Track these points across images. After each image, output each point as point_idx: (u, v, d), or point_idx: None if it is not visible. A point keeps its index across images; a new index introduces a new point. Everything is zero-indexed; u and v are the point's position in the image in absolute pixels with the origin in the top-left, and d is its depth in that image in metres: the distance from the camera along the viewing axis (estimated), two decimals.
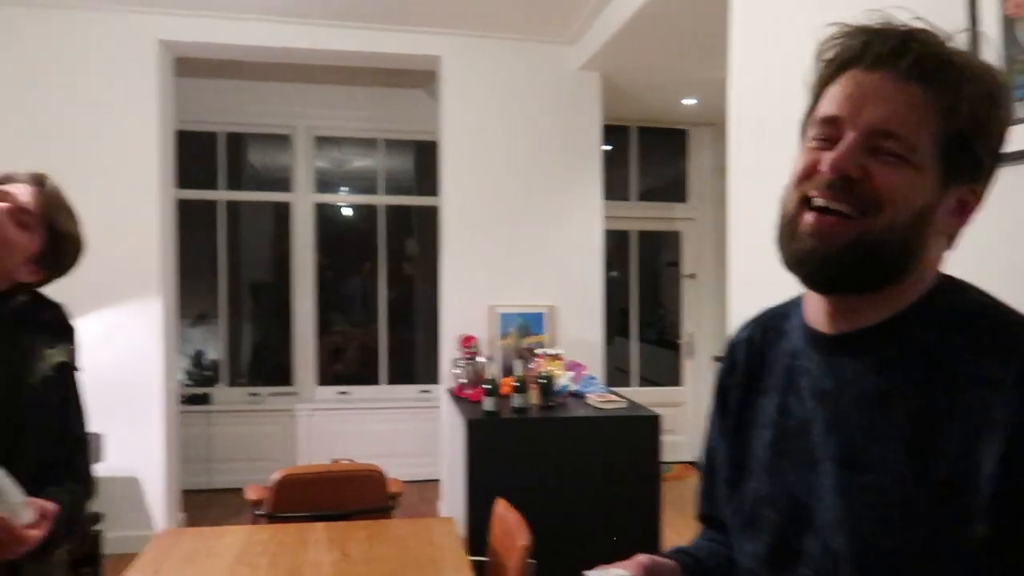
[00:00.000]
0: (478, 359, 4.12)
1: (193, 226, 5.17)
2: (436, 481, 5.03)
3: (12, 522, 1.25)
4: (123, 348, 4.02)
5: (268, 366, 5.99)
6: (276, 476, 2.67)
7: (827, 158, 0.80)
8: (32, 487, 1.32)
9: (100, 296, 3.99)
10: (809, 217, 0.81)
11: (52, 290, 1.58)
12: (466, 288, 4.56)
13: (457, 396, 4.05)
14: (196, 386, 5.57)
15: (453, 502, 4.10)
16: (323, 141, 5.81)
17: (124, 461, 3.96)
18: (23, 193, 1.46)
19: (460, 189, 4.58)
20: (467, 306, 4.53)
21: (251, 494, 2.91)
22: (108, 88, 4.05)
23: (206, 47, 4.30)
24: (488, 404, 3.52)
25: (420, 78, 5.20)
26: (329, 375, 5.84)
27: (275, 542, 2.25)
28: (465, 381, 4.07)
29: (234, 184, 5.72)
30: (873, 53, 0.80)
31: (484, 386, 3.57)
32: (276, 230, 5.92)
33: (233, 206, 5.74)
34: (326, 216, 5.85)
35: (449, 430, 4.34)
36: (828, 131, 0.82)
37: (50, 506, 1.34)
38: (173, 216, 4.35)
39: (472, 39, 4.53)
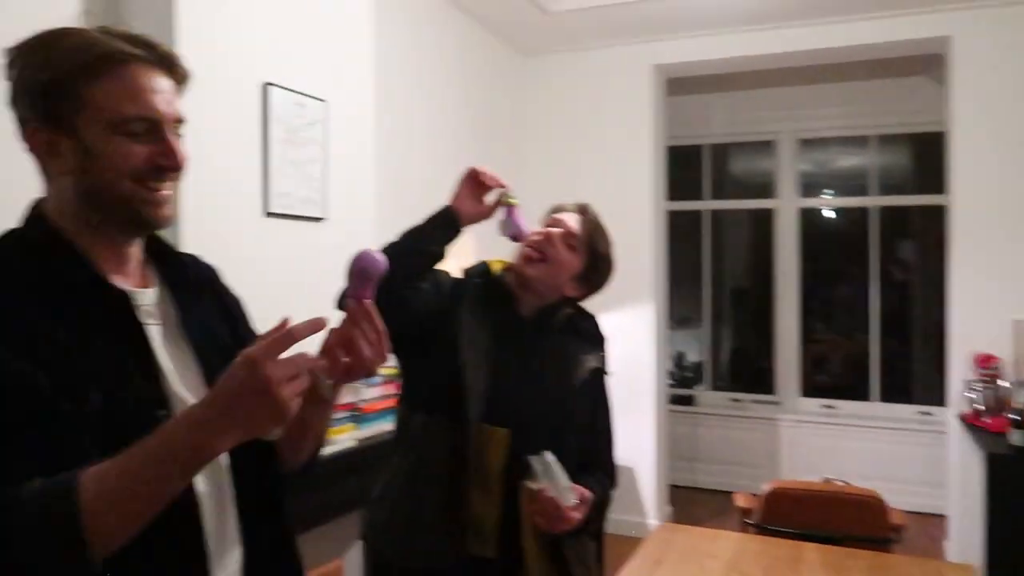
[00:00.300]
0: (1000, 383, 3.51)
1: (680, 235, 5.47)
2: (941, 516, 4.43)
3: (559, 502, 1.48)
4: (622, 349, 4.41)
5: (748, 372, 5.99)
6: (766, 487, 2.64)
7: None
8: (570, 475, 1.54)
9: (604, 301, 4.44)
10: None
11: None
12: (982, 299, 3.91)
13: (971, 424, 3.51)
14: (677, 387, 5.85)
15: (965, 545, 3.56)
16: (807, 143, 5.60)
17: (623, 452, 4.35)
18: (571, 220, 1.71)
19: (975, 186, 3.94)
20: (983, 320, 3.88)
21: (740, 501, 2.93)
22: (611, 113, 4.52)
23: (696, 65, 4.50)
24: (1017, 438, 2.97)
25: (919, 64, 4.65)
26: (812, 385, 5.60)
27: (767, 555, 2.22)
28: (982, 407, 3.50)
29: (718, 194, 5.87)
30: None
31: (1010, 416, 3.02)
32: (756, 236, 5.90)
33: (716, 215, 5.89)
34: (809, 220, 5.62)
35: (960, 462, 3.79)
36: None
37: (587, 493, 1.54)
38: (664, 227, 4.66)
39: (991, 11, 3.88)
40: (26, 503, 0.77)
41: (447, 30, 3.80)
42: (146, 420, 0.88)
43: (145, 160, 0.93)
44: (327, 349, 0.98)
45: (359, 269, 0.96)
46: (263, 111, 2.32)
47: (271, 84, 2.33)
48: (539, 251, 1.66)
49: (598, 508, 1.63)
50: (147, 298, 1.00)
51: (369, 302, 0.97)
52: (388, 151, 3.17)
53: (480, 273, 1.73)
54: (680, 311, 5.92)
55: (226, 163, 2.21)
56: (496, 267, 1.77)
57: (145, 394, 0.92)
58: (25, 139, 0.94)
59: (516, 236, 1.64)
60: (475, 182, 1.60)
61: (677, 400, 5.59)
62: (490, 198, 1.63)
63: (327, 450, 2.36)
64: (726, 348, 6.07)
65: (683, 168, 5.64)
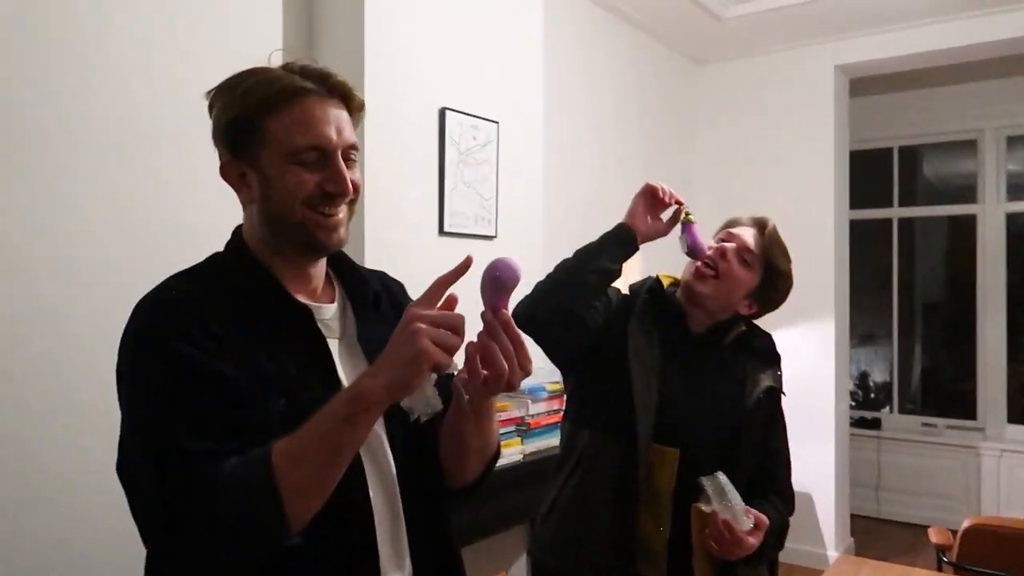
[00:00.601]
0: None
1: (864, 246, 5.10)
2: None
3: (734, 526, 1.42)
4: (798, 367, 4.19)
5: (942, 395, 5.47)
6: (966, 523, 2.41)
7: None
8: (743, 498, 1.48)
9: (780, 316, 4.23)
10: None
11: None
12: None
13: None
14: (860, 408, 5.45)
15: None
16: (1015, 141, 5.04)
17: (799, 476, 4.09)
18: (746, 235, 1.65)
19: None
20: None
21: (935, 537, 2.68)
22: (789, 119, 4.31)
23: (881, 63, 4.19)
24: None
25: None
26: (1020, 411, 5.02)
27: None
28: None
29: (907, 200, 5.42)
30: None
31: None
32: (953, 245, 5.39)
33: (906, 223, 5.45)
34: (1017, 226, 5.06)
35: None
36: None
37: (764, 518, 1.48)
38: (846, 237, 4.37)
39: None
40: (227, 472, 0.85)
41: (616, 44, 3.79)
42: None
43: (315, 187, 0.99)
44: (467, 360, 0.97)
45: (493, 278, 0.93)
46: (440, 135, 2.43)
47: (448, 109, 2.44)
48: (712, 267, 1.62)
49: (774, 535, 1.55)
50: (328, 313, 1.07)
51: (506, 312, 0.95)
52: (556, 168, 3.22)
53: (649, 288, 1.70)
54: (863, 327, 5.52)
55: (406, 185, 2.34)
56: (666, 282, 1.74)
57: (324, 400, 0.97)
58: (221, 172, 1.05)
59: (693, 253, 1.62)
60: (652, 199, 1.59)
61: (860, 423, 5.22)
62: (667, 215, 1.62)
63: None
64: (916, 368, 5.58)
65: (868, 174, 5.27)
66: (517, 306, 1.51)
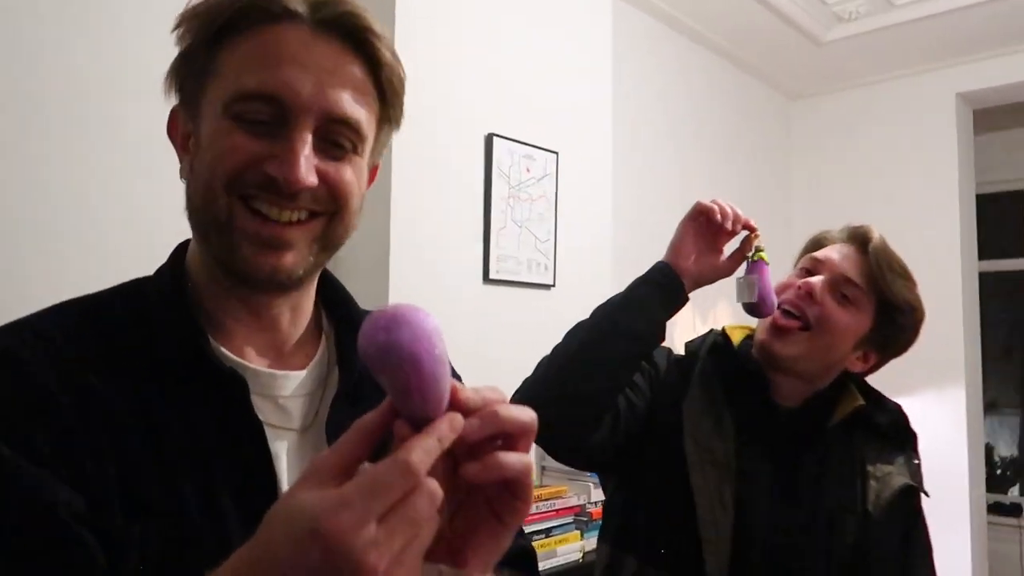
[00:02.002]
0: None
1: (984, 301, 4.45)
2: None
3: None
4: (924, 441, 3.58)
5: None
6: None
7: None
8: None
9: (892, 384, 3.66)
10: None
11: None
12: None
13: None
14: (987, 490, 4.69)
15: None
16: None
17: None
18: (841, 258, 1.16)
19: None
20: None
21: None
22: (901, 157, 3.83)
23: (1010, 90, 3.66)
24: None
25: None
26: None
27: None
28: None
29: None
30: None
31: None
32: None
33: None
34: None
35: None
36: None
37: None
38: (975, 290, 3.77)
39: None
40: None
41: (698, 75, 3.42)
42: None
43: (248, 160, 0.62)
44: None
45: (384, 349, 0.45)
46: (486, 165, 2.07)
47: (496, 135, 2.08)
48: (796, 315, 1.13)
49: None
50: (287, 385, 0.68)
51: (452, 417, 0.49)
52: (627, 209, 2.81)
53: (713, 348, 1.22)
54: (986, 393, 4.81)
55: (444, 223, 1.98)
56: (737, 336, 1.24)
57: (239, 538, 0.57)
58: (167, 125, 0.69)
59: (760, 307, 1.10)
60: (706, 224, 1.11)
61: (996, 509, 4.48)
62: (731, 246, 1.14)
63: (547, 563, 1.99)
64: None
65: (997, 220, 4.63)
66: (512, 398, 1.04)
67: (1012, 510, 4.53)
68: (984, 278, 4.61)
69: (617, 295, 1.11)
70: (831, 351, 1.14)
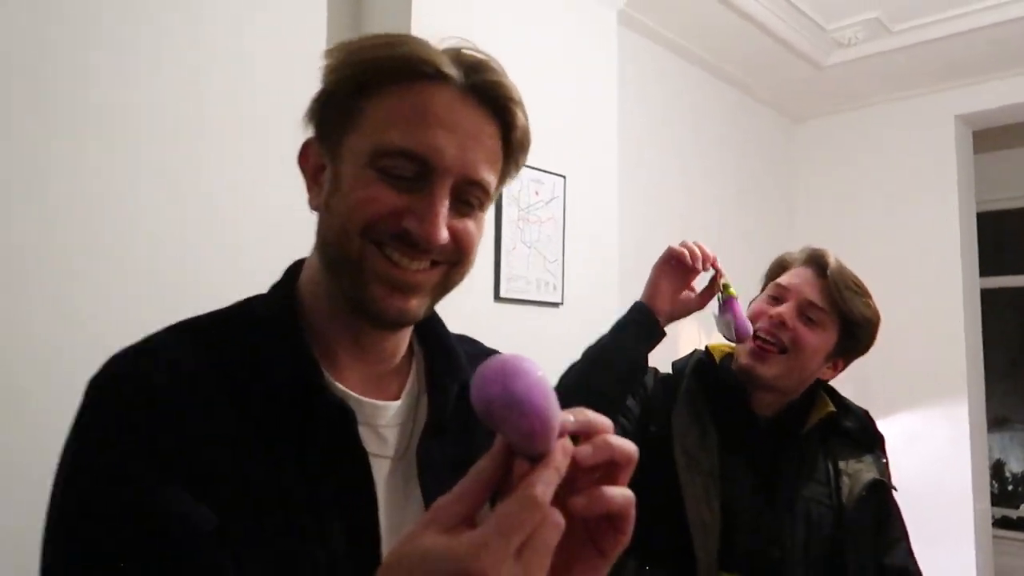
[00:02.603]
0: None
1: (991, 318, 4.50)
2: None
3: None
4: (923, 458, 3.64)
5: None
6: None
7: None
8: None
9: (895, 399, 3.73)
10: None
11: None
12: None
13: None
14: (996, 504, 4.72)
15: None
16: None
17: None
18: (805, 284, 1.28)
19: None
20: None
21: None
22: (903, 177, 3.88)
23: (1009, 111, 3.72)
24: None
25: None
26: None
27: None
28: None
29: None
30: None
31: None
32: None
33: None
34: None
35: None
36: None
37: None
38: (977, 306, 3.83)
39: None
40: None
41: (702, 99, 3.50)
42: None
43: (389, 214, 0.65)
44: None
45: (494, 401, 0.49)
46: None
47: None
48: (772, 342, 1.25)
49: None
50: (385, 415, 0.72)
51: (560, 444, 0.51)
52: (632, 230, 2.90)
53: (697, 367, 1.34)
54: (994, 410, 4.85)
55: None
56: (719, 353, 1.37)
57: (348, 563, 0.65)
58: (299, 155, 0.73)
59: (739, 336, 1.24)
60: (677, 267, 1.21)
61: (1003, 523, 4.50)
62: (701, 283, 1.26)
63: None
64: None
65: (997, 237, 4.69)
66: None
67: (1020, 524, 4.55)
68: (992, 295, 4.67)
69: (604, 336, 1.22)
70: (805, 367, 1.27)
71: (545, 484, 0.46)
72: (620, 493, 0.51)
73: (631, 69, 2.92)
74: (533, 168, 2.26)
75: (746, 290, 1.37)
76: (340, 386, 0.70)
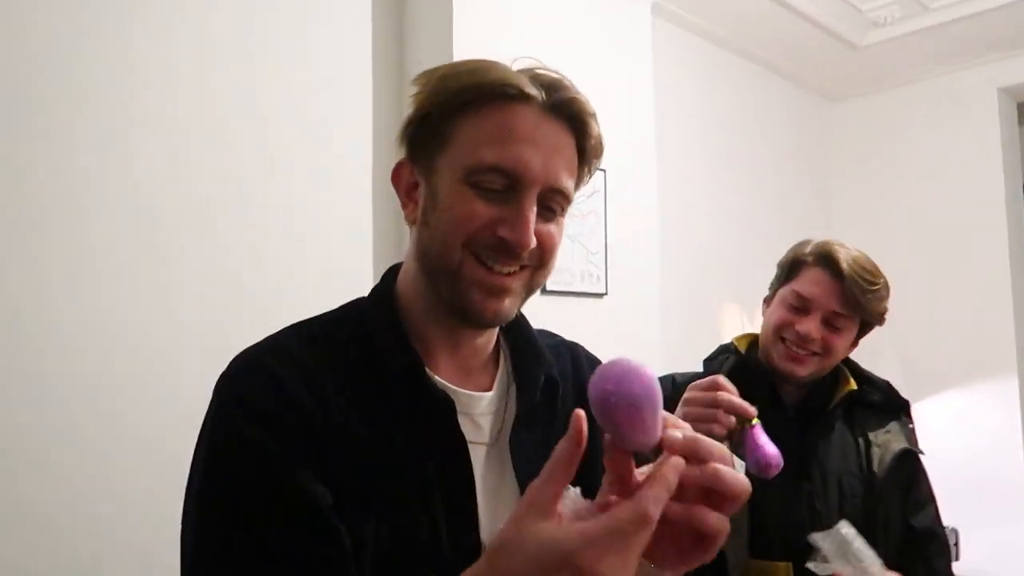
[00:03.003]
0: None
1: None
2: None
3: None
4: (977, 434, 3.62)
5: None
6: None
7: None
8: None
9: (944, 377, 3.71)
10: None
11: None
12: None
13: None
14: None
15: None
16: None
17: (980, 564, 3.50)
18: (825, 295, 1.32)
19: None
20: None
21: None
22: (944, 153, 3.83)
23: None
24: None
25: None
26: None
27: None
28: None
29: None
30: None
31: None
32: None
33: None
34: None
35: None
36: None
37: None
38: None
39: None
40: None
41: (736, 83, 3.52)
42: (441, 568, 0.69)
43: (485, 225, 0.72)
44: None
45: (611, 402, 0.55)
46: None
47: None
48: (803, 352, 1.32)
49: None
50: (479, 404, 0.79)
51: (669, 435, 0.58)
52: (672, 219, 2.94)
53: (724, 360, 1.41)
54: None
55: None
56: (743, 344, 1.43)
57: (450, 538, 0.72)
58: (392, 174, 0.81)
59: (771, 464, 1.08)
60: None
61: None
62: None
63: None
64: None
65: None
66: None
67: None
68: None
69: None
70: (835, 361, 1.36)
71: (656, 503, 0.52)
72: (716, 518, 0.56)
73: (665, 59, 2.95)
74: None
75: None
76: (439, 378, 0.77)
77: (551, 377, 0.83)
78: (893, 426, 1.36)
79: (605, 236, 2.39)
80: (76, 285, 1.60)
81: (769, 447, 1.08)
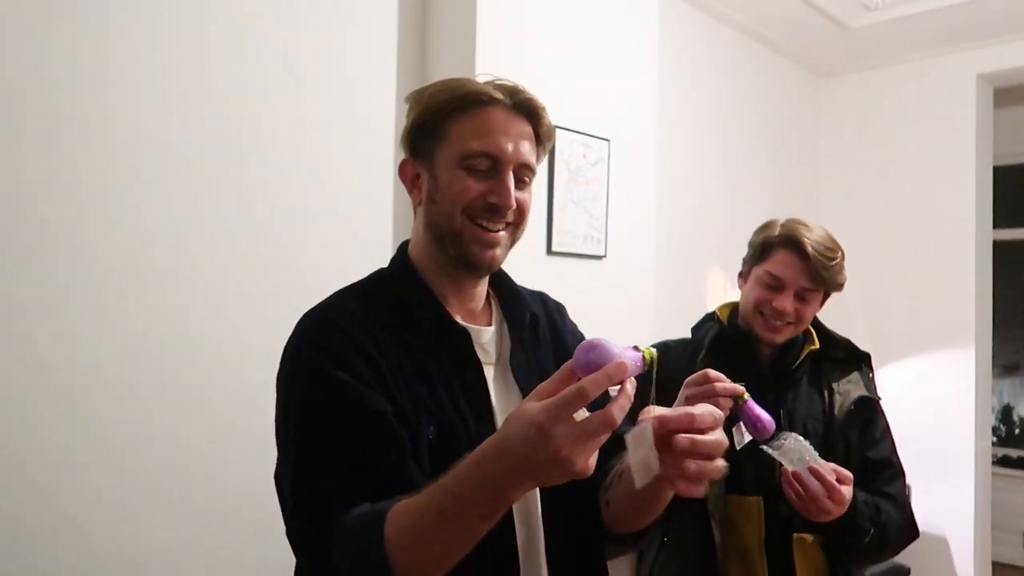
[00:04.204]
0: None
1: (1011, 269, 4.70)
2: None
3: (811, 469, 1.29)
4: (931, 399, 3.90)
5: None
6: None
7: None
8: None
9: (909, 343, 3.97)
10: None
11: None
12: None
13: None
14: (1003, 445, 4.99)
15: None
16: None
17: (931, 518, 3.81)
18: (793, 272, 1.52)
19: None
20: None
21: None
22: (924, 133, 4.02)
23: None
24: None
25: None
26: None
27: None
28: None
29: None
30: None
31: None
32: None
33: None
34: None
35: None
36: None
37: (846, 472, 1.33)
38: (989, 257, 4.02)
39: None
40: (347, 529, 0.83)
41: (734, 57, 3.66)
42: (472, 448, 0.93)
43: (478, 196, 0.97)
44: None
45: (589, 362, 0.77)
46: (550, 153, 2.40)
47: (558, 127, 2.41)
48: (780, 323, 1.54)
49: (874, 509, 1.41)
50: (485, 336, 1.05)
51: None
52: (668, 185, 3.12)
53: (709, 328, 1.63)
54: (1006, 356, 5.08)
55: None
56: (725, 313, 1.66)
57: (476, 431, 0.96)
58: (399, 170, 1.06)
59: (766, 430, 1.26)
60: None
61: (1004, 462, 4.79)
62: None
63: None
64: None
65: (1015, 190, 4.84)
66: None
67: (1019, 463, 4.82)
68: (1011, 246, 4.86)
69: None
70: (805, 326, 1.58)
71: (620, 409, 0.73)
72: (711, 438, 0.81)
73: (668, 33, 3.09)
74: (581, 133, 2.48)
75: None
76: (457, 319, 1.02)
77: (534, 314, 1.11)
78: (855, 376, 1.58)
79: (607, 202, 2.57)
80: (90, 283, 1.68)
81: (762, 414, 1.25)
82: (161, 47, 1.77)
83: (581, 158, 2.48)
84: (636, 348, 0.82)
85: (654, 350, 0.83)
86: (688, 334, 1.70)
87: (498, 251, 1.00)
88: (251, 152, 1.93)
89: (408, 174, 1.05)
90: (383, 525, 0.80)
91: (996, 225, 4.11)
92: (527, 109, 1.01)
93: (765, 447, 1.31)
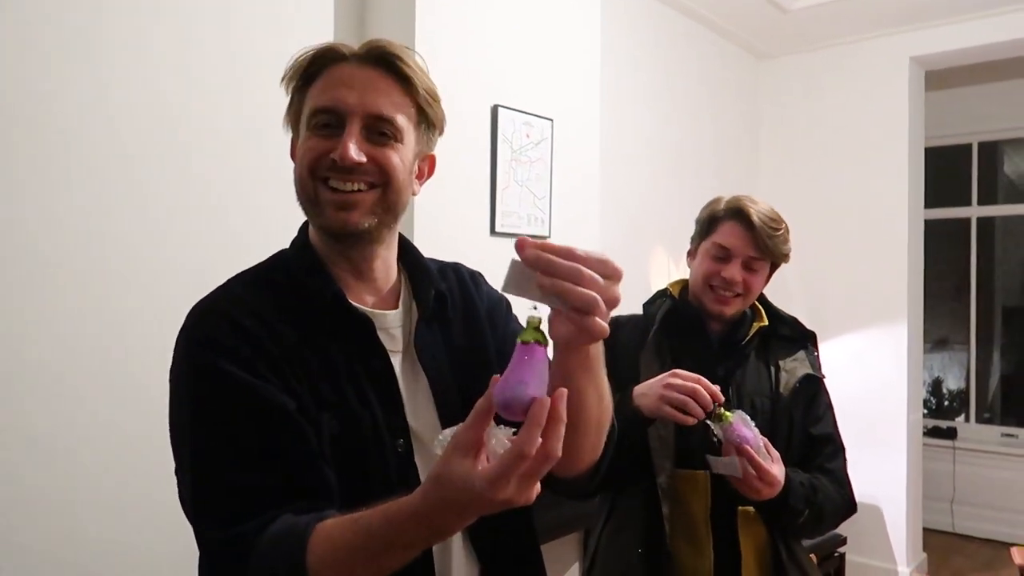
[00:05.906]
0: None
1: (939, 247, 4.87)
2: None
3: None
4: (867, 374, 4.02)
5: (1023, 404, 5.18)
6: None
7: None
8: None
9: (845, 320, 4.08)
10: None
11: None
12: None
13: None
14: (933, 417, 5.20)
15: None
16: None
17: (866, 488, 3.93)
18: (741, 243, 1.54)
19: None
20: None
21: (1019, 558, 2.51)
22: (859, 114, 4.12)
23: (959, 54, 3.97)
24: None
25: None
26: None
27: None
28: None
29: (987, 198, 5.15)
30: None
31: None
32: None
33: (985, 222, 5.17)
34: None
35: None
36: None
37: (775, 452, 1.37)
38: (921, 237, 4.16)
39: None
40: (265, 544, 0.78)
41: (674, 38, 3.68)
42: (383, 449, 0.89)
43: (321, 153, 0.90)
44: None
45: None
46: (492, 133, 2.37)
47: (500, 106, 2.38)
48: (730, 294, 1.55)
49: (808, 489, 1.44)
50: (391, 320, 0.97)
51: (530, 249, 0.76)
52: (611, 166, 3.13)
53: (661, 304, 1.63)
54: (937, 331, 5.27)
55: (457, 184, 2.29)
56: (676, 289, 1.67)
57: (383, 422, 0.90)
58: (290, 154, 0.99)
59: (748, 445, 1.33)
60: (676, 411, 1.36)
61: (934, 433, 4.98)
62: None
63: None
64: (994, 375, 5.29)
65: (945, 171, 5.01)
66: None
67: (947, 433, 5.02)
68: (942, 225, 5.03)
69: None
70: (753, 298, 1.59)
71: (557, 438, 0.68)
72: (581, 292, 0.73)
73: (611, 13, 3.08)
74: (524, 112, 2.46)
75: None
76: (357, 304, 0.94)
77: (440, 291, 1.01)
78: (800, 354, 1.60)
79: (550, 182, 2.56)
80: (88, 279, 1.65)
81: (745, 433, 1.32)
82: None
83: (524, 137, 2.46)
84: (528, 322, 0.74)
85: (539, 319, 0.75)
86: (634, 312, 1.70)
87: (354, 214, 0.90)
88: (188, 133, 1.86)
89: (294, 149, 0.98)
90: (305, 553, 0.75)
91: (926, 205, 4.25)
92: (378, 56, 0.92)
93: (708, 421, 1.33)
